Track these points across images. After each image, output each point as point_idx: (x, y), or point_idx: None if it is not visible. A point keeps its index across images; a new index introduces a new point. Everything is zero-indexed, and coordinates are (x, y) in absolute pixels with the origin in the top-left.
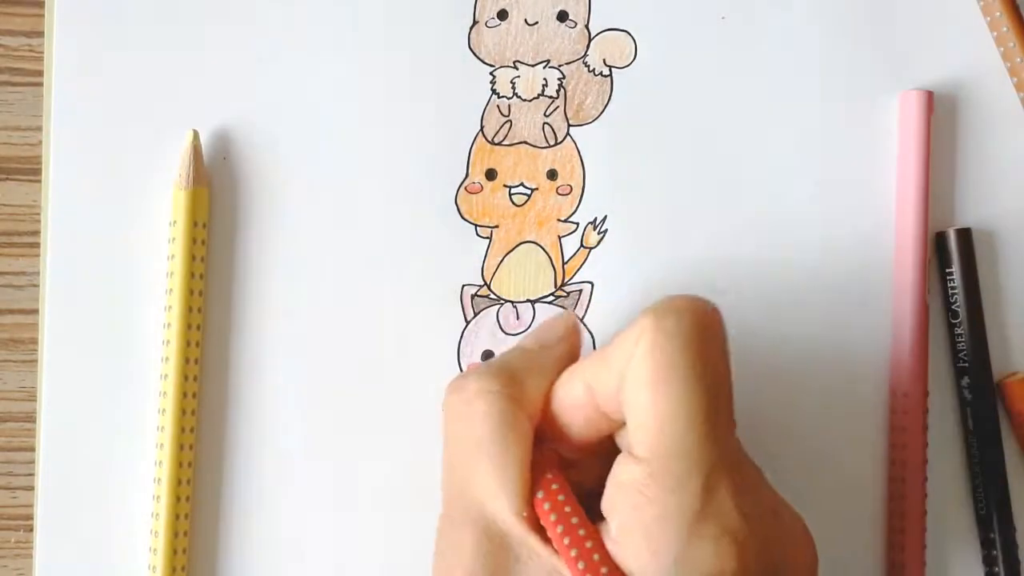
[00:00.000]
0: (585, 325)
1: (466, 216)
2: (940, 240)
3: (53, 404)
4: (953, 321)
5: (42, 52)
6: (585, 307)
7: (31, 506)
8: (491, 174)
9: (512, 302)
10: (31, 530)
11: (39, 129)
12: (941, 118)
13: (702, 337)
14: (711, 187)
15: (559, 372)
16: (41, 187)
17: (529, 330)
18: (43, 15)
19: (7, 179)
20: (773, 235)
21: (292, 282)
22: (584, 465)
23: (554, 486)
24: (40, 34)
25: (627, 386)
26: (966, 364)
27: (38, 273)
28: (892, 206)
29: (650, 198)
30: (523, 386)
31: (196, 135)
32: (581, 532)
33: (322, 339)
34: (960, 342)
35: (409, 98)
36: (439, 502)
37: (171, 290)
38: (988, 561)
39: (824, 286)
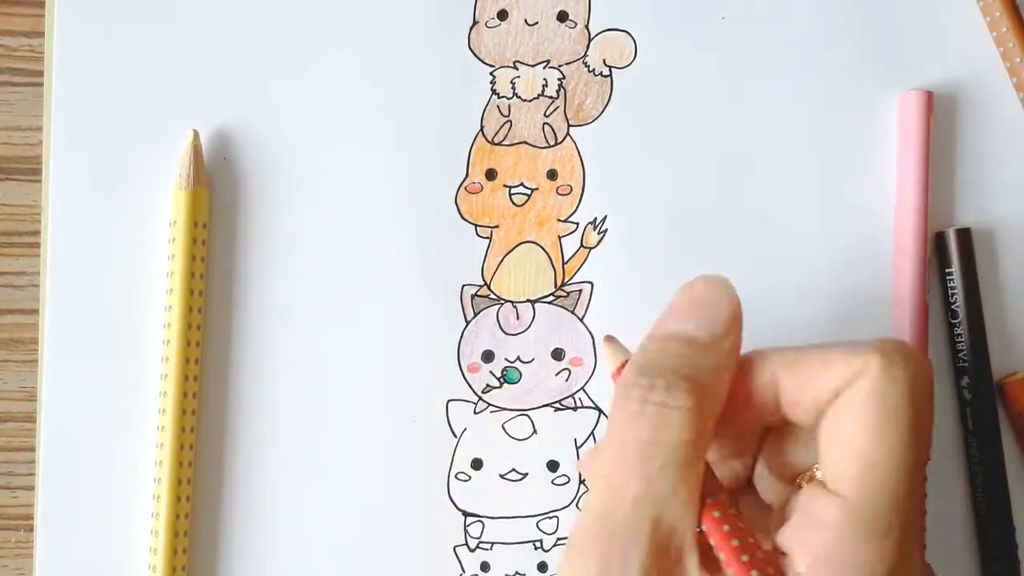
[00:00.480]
0: (585, 325)
1: (466, 216)
2: (940, 240)
3: (53, 404)
4: (953, 321)
5: (42, 52)
6: (585, 307)
7: (31, 506)
8: (491, 174)
9: (512, 302)
10: (31, 530)
11: (39, 129)
12: (941, 118)
13: (925, 389)
14: (711, 187)
15: (734, 368)
16: (41, 187)
17: (685, 302)
18: (43, 15)
19: (7, 179)
20: (773, 235)
21: (292, 282)
22: None
23: (722, 496)
24: (40, 34)
25: (840, 418)
26: (966, 364)
27: (38, 273)
28: (892, 206)
29: (650, 198)
30: (711, 398)
31: (196, 135)
32: (759, 554)
33: (322, 339)
34: (960, 342)
35: (409, 98)
36: (440, 500)
37: (171, 290)
38: (987, 561)
39: (824, 285)
